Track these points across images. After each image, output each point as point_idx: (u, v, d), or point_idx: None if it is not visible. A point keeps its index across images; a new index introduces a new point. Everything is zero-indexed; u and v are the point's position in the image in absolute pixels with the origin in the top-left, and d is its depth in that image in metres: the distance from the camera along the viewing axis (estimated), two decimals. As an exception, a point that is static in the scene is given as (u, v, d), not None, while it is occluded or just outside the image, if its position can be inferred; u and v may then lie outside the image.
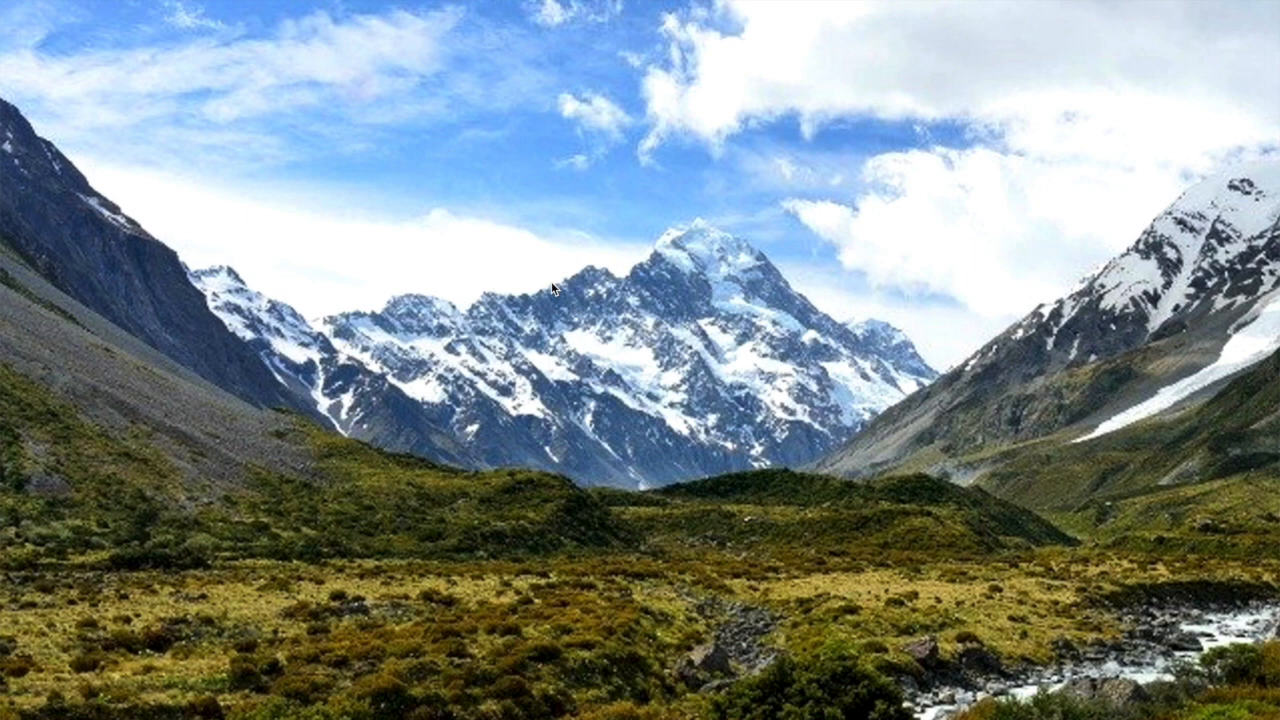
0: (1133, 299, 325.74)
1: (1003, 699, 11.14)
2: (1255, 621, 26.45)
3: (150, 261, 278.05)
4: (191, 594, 25.53)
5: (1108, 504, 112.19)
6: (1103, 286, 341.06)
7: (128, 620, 20.33)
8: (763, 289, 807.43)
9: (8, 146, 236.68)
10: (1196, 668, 12.66)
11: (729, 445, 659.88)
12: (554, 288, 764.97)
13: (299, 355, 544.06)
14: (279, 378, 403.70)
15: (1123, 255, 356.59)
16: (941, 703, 16.96)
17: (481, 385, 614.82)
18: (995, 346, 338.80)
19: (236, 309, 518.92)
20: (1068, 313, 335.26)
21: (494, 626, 17.62)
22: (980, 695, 16.85)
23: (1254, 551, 54.59)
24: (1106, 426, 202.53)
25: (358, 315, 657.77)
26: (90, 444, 56.02)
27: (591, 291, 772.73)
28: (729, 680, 16.78)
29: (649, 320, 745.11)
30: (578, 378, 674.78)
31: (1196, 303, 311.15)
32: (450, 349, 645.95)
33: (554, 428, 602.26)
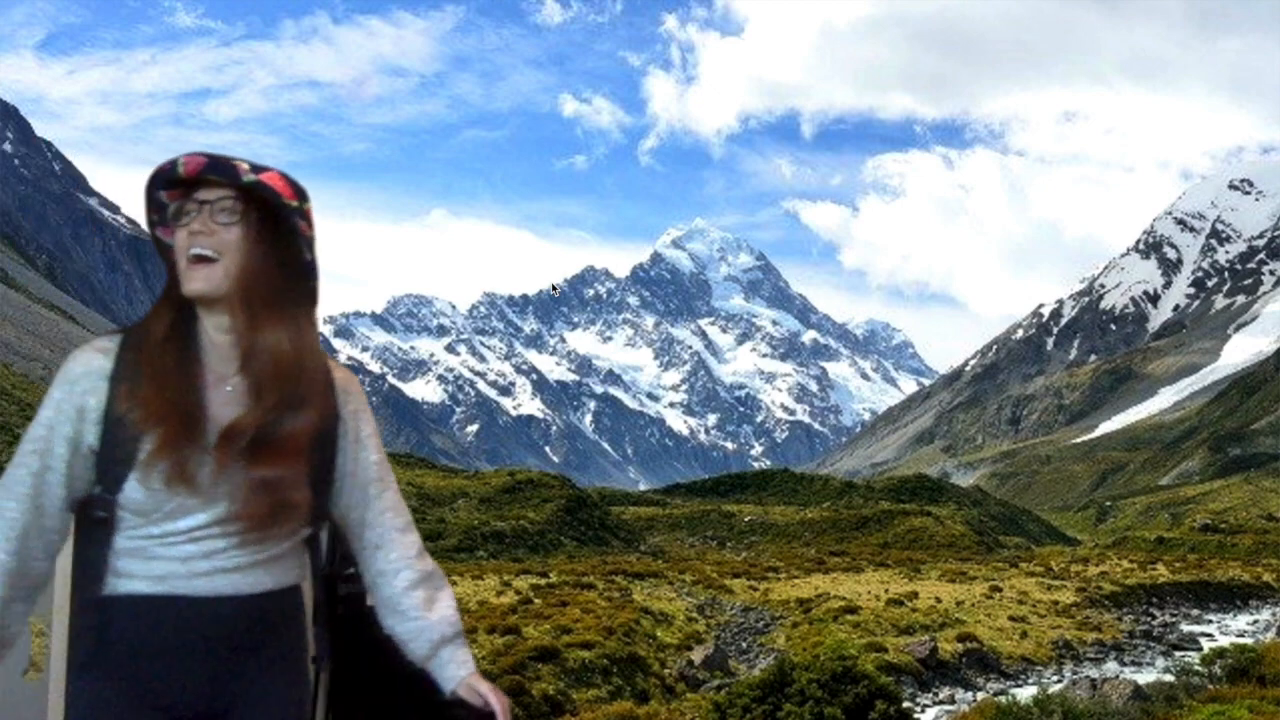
0: (1133, 299, 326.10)
1: (1003, 699, 11.15)
2: (1255, 621, 26.46)
3: (150, 261, 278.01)
4: (191, 594, 25.49)
5: (1108, 504, 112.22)
6: (1103, 286, 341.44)
7: (128, 620, 20.30)
8: (763, 289, 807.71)
9: (8, 146, 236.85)
10: (1196, 668, 12.66)
11: (729, 445, 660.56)
12: (554, 288, 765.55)
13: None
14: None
15: (1123, 255, 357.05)
16: (941, 703, 16.97)
17: (481, 385, 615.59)
18: (995, 346, 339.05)
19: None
20: (1068, 313, 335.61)
21: (494, 626, 17.61)
22: (980, 695, 16.86)
23: (1254, 551, 54.57)
24: (1106, 426, 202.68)
25: (358, 315, 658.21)
26: (90, 444, 56.12)
27: (591, 291, 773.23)
28: (729, 680, 16.78)
29: (649, 320, 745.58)
30: (578, 378, 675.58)
31: (1196, 303, 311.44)
32: (450, 349, 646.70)
33: (554, 428, 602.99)
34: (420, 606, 1.82)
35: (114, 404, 1.66)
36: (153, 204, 1.73)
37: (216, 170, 1.68)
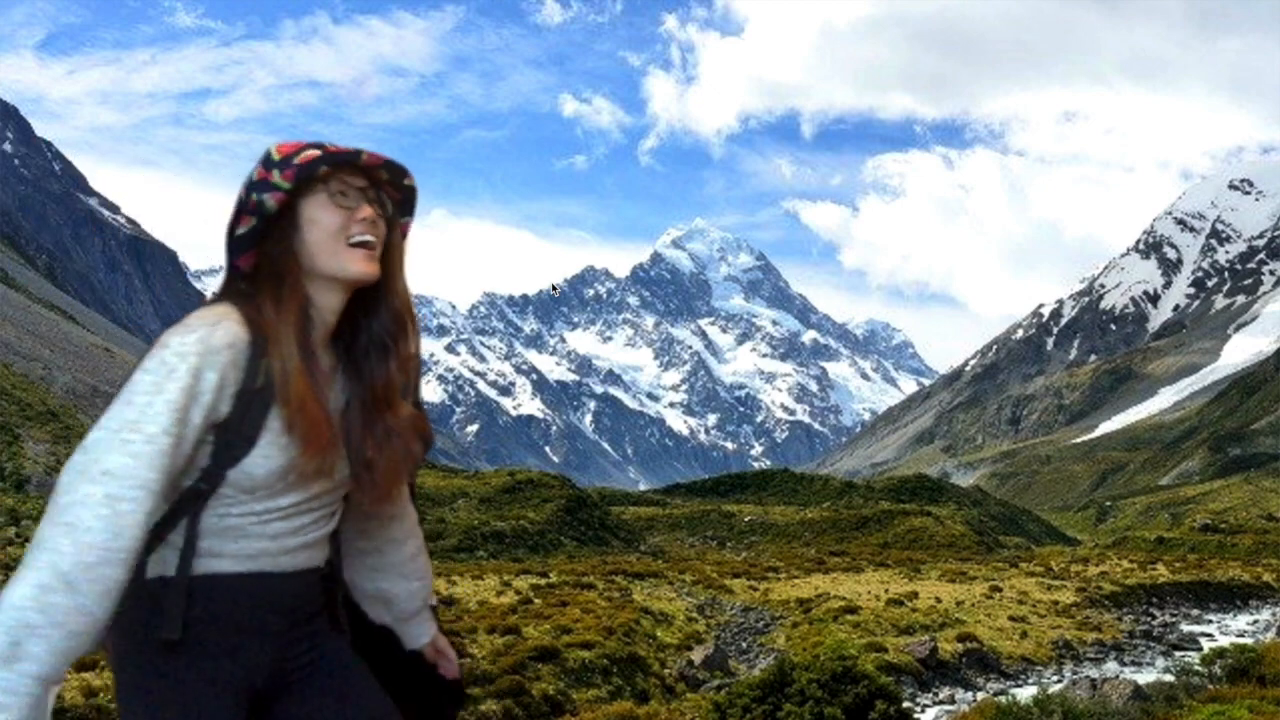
0: (1133, 299, 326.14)
1: (1003, 699, 11.14)
2: (1255, 621, 26.44)
3: (150, 261, 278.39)
4: (191, 594, 25.42)
5: (1108, 504, 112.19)
6: (1103, 286, 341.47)
7: (128, 620, 20.23)
8: (763, 289, 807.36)
9: (8, 146, 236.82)
10: (1196, 668, 12.65)
11: (729, 445, 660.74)
12: (554, 288, 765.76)
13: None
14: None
15: (1123, 255, 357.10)
16: (941, 703, 16.96)
17: (481, 385, 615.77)
18: (995, 346, 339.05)
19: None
20: (1068, 313, 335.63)
21: (494, 626, 17.60)
22: (980, 695, 16.85)
23: (1254, 551, 54.52)
24: (1106, 426, 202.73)
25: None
26: (90, 444, 55.98)
27: (591, 291, 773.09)
28: (729, 680, 16.77)
29: (649, 320, 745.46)
30: (578, 378, 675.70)
31: (1196, 303, 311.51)
32: (450, 349, 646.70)
33: (554, 428, 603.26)
34: (423, 570, 1.98)
35: (252, 379, 1.64)
36: (304, 173, 1.71)
37: (392, 169, 1.79)
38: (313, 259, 1.72)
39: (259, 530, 1.68)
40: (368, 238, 1.74)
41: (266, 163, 1.73)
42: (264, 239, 1.71)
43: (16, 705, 1.39)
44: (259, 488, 1.65)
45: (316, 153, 1.72)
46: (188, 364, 1.59)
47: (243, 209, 1.71)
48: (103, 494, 1.49)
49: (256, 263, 1.72)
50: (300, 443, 1.65)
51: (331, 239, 1.72)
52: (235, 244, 1.72)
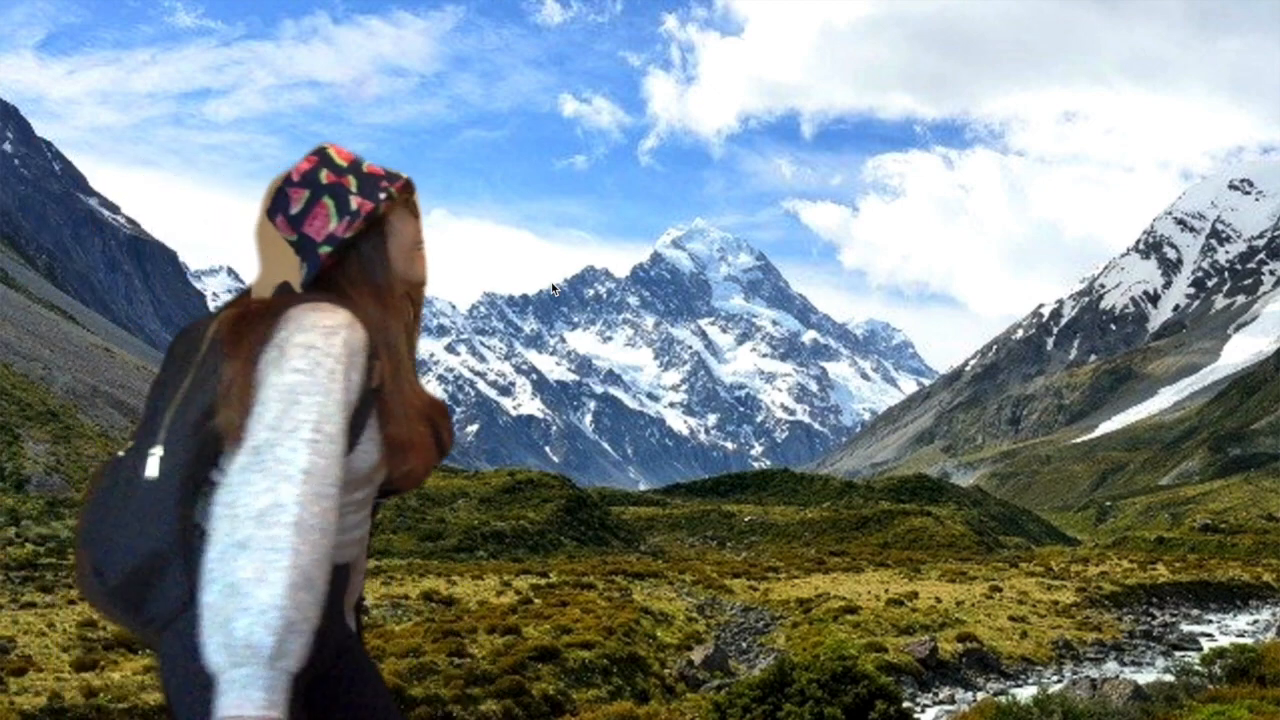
0: (1133, 299, 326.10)
1: (1003, 699, 11.13)
2: (1255, 621, 26.43)
3: (150, 261, 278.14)
4: (191, 594, 25.35)
5: (1108, 504, 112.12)
6: (1103, 286, 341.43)
7: (128, 620, 20.18)
8: (763, 289, 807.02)
9: (8, 146, 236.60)
10: (1196, 668, 12.65)
11: (729, 445, 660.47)
12: (554, 288, 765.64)
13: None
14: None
15: (1123, 255, 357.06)
16: (941, 703, 16.95)
17: (481, 385, 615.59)
18: (995, 346, 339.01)
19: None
20: (1068, 313, 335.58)
21: (494, 626, 17.59)
22: (980, 695, 16.84)
23: (1254, 551, 54.51)
24: (1106, 426, 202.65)
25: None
26: (90, 444, 55.99)
27: (591, 291, 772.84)
28: (729, 680, 16.77)
29: (649, 320, 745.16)
30: (578, 378, 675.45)
31: (1196, 303, 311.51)
32: (450, 349, 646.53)
33: (554, 428, 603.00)
34: (364, 565, 2.01)
35: (369, 380, 1.71)
36: (409, 188, 1.86)
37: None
38: (404, 265, 1.83)
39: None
40: (424, 246, 1.90)
41: (334, 168, 1.79)
42: (350, 243, 1.78)
43: (284, 703, 1.49)
44: (350, 482, 1.69)
45: (370, 163, 1.84)
46: (341, 366, 1.64)
47: (343, 212, 1.75)
48: (311, 492, 1.54)
49: (343, 264, 1.77)
50: (406, 450, 1.74)
51: (411, 247, 1.84)
52: (332, 245, 1.75)
